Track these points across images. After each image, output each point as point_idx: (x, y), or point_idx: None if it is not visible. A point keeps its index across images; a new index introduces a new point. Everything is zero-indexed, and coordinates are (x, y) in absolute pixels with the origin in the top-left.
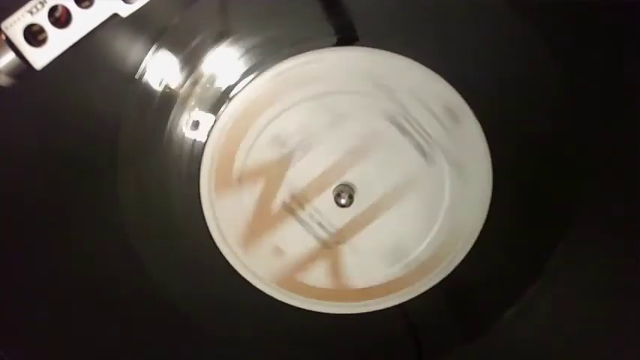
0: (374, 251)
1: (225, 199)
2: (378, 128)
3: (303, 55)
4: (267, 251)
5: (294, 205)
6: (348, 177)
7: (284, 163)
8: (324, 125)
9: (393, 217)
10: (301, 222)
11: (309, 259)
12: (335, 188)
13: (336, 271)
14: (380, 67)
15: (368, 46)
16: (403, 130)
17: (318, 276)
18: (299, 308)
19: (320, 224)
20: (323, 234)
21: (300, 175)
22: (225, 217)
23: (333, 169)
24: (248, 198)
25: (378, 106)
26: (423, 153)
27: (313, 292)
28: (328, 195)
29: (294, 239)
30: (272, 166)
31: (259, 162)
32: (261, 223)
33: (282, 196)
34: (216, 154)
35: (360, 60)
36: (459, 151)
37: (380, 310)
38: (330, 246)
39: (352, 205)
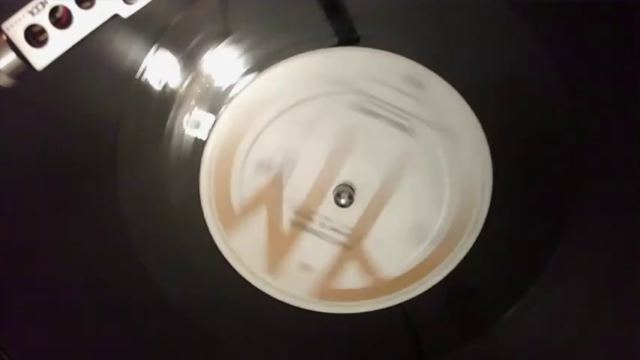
0: (397, 237)
1: (234, 232)
2: (351, 122)
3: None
4: (295, 270)
5: (302, 220)
6: (343, 177)
7: (277, 184)
8: (299, 137)
9: (400, 199)
10: (315, 233)
11: (338, 265)
12: (333, 191)
13: (367, 268)
14: (332, 64)
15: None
16: (375, 115)
17: (353, 278)
18: (299, 308)
19: (334, 229)
20: (340, 237)
21: (296, 191)
22: (237, 243)
23: (325, 175)
24: (257, 227)
25: (340, 101)
26: (403, 128)
27: (349, 295)
28: (330, 200)
29: (315, 251)
30: (267, 191)
31: (254, 192)
32: (278, 247)
33: (287, 215)
34: (212, 183)
35: (309, 65)
36: (436, 114)
37: (380, 310)
38: (351, 246)
39: (356, 202)
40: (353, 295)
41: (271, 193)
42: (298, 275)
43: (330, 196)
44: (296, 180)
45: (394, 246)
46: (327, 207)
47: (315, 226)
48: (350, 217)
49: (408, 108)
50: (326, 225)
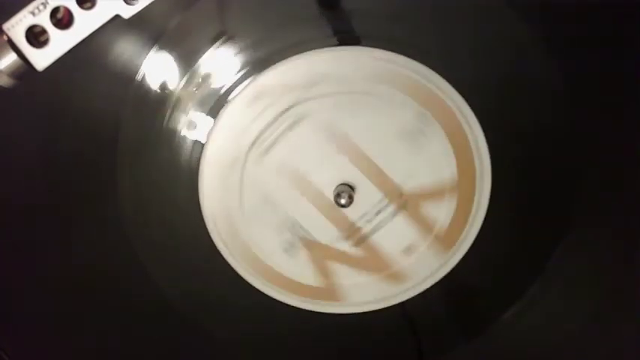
0: (395, 236)
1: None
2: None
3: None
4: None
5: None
6: (343, 177)
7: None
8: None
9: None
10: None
11: (353, 261)
12: (333, 190)
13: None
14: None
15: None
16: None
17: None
18: (298, 308)
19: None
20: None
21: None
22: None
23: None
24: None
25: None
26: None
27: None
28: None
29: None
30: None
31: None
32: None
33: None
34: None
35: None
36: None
37: (380, 310)
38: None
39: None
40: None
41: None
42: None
43: (331, 196)
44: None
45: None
46: (326, 206)
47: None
48: (346, 216)
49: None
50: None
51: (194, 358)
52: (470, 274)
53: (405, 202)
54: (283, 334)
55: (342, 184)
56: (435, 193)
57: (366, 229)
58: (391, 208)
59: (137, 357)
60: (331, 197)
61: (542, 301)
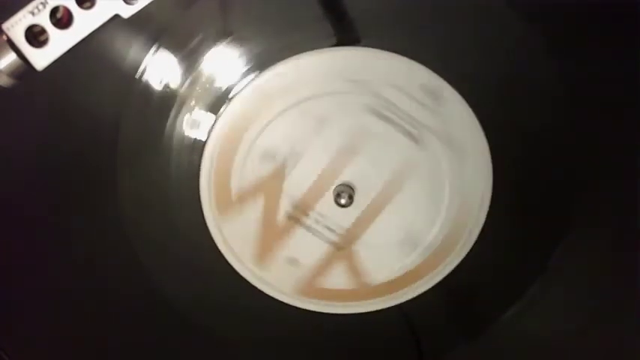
0: (388, 243)
1: (228, 219)
2: (363, 123)
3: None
4: (282, 263)
5: (298, 214)
6: (345, 177)
7: (279, 175)
8: (309, 131)
9: (398, 206)
10: (308, 229)
11: (325, 264)
12: (334, 189)
13: (354, 270)
14: (353, 62)
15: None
16: (388, 120)
17: (338, 279)
18: (298, 308)
19: (328, 227)
20: (333, 237)
21: (297, 184)
22: (230, 230)
23: (328, 172)
24: (252, 215)
25: (357, 101)
26: (413, 138)
27: (333, 295)
28: (329, 198)
29: (305, 247)
30: (268, 180)
31: (254, 179)
32: (270, 237)
33: (284, 207)
34: (213, 169)
35: (333, 59)
36: (447, 128)
37: (380, 310)
38: (342, 247)
39: (354, 203)
40: (332, 294)
41: (272, 184)
42: (284, 269)
43: (329, 194)
44: (299, 173)
45: (384, 253)
46: (325, 205)
47: (309, 222)
48: (346, 217)
49: (421, 118)
50: (321, 222)
51: (194, 358)
52: (470, 274)
53: None
54: (283, 334)
55: (342, 184)
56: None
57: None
58: None
59: (137, 357)
60: (331, 195)
61: (542, 301)
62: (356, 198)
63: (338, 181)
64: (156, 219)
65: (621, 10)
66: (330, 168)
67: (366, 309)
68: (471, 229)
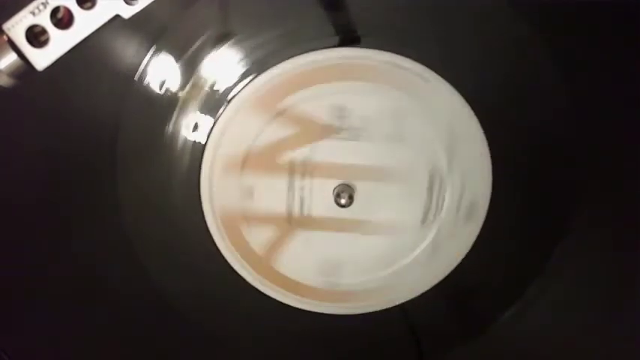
0: (315, 255)
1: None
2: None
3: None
4: (239, 187)
5: (298, 170)
6: (345, 176)
7: (329, 130)
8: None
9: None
10: (290, 187)
11: (265, 220)
12: (334, 189)
13: (275, 246)
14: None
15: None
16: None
17: (258, 238)
18: (298, 308)
19: (301, 200)
20: (296, 210)
21: (327, 151)
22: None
23: (352, 169)
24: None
25: (431, 148)
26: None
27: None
28: (330, 186)
29: (269, 195)
30: (317, 124)
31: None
32: (257, 160)
33: (298, 154)
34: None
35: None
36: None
37: (380, 310)
38: (291, 223)
39: (356, 201)
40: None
41: (317, 130)
42: (236, 192)
43: (332, 184)
44: (338, 146)
45: (308, 259)
46: (322, 187)
47: (297, 183)
48: (323, 210)
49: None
50: (302, 193)
51: (194, 357)
52: (470, 274)
53: None
54: (283, 334)
55: (342, 184)
56: None
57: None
58: None
59: (137, 357)
60: (331, 197)
61: (542, 301)
62: (356, 196)
63: (347, 181)
64: (156, 219)
65: (621, 10)
66: (356, 168)
67: (366, 309)
68: (470, 229)
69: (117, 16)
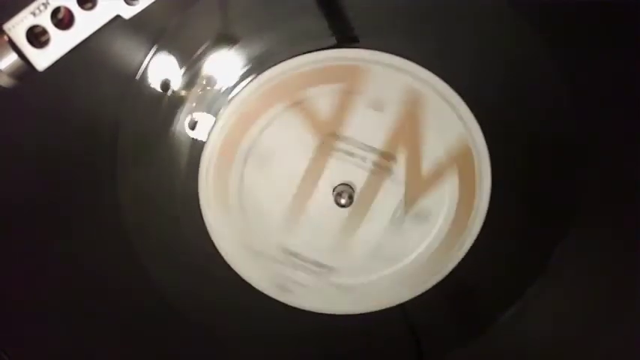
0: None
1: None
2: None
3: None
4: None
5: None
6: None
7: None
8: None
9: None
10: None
11: None
12: (334, 189)
13: None
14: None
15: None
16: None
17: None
18: (297, 308)
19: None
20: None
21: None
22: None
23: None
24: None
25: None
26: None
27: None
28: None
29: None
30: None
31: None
32: (257, 160)
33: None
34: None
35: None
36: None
37: (380, 310)
38: None
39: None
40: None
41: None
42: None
43: (328, 195)
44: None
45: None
46: (324, 204)
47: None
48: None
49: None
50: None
51: (194, 357)
52: (470, 274)
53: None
54: (283, 334)
55: (342, 184)
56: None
57: None
58: None
59: (137, 357)
60: (331, 197)
61: (542, 301)
62: (356, 196)
63: (337, 183)
64: (156, 219)
65: (621, 10)
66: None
67: (366, 309)
68: (470, 229)
69: (117, 17)
